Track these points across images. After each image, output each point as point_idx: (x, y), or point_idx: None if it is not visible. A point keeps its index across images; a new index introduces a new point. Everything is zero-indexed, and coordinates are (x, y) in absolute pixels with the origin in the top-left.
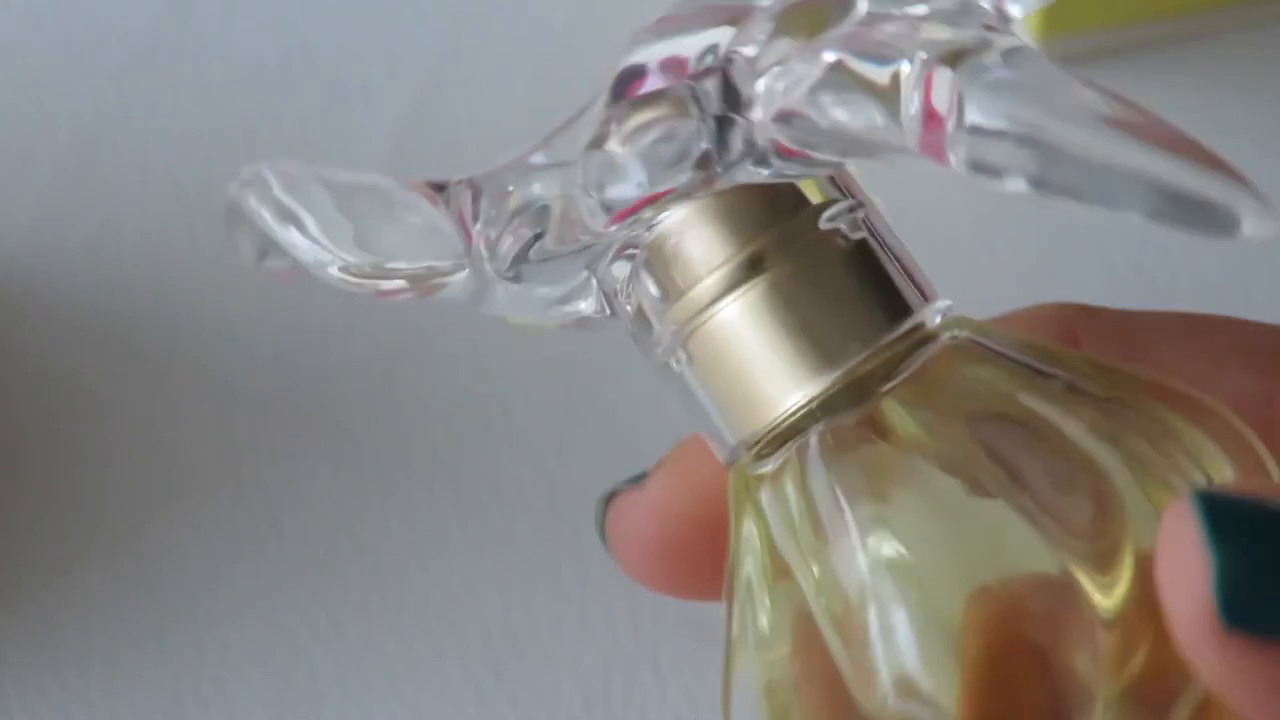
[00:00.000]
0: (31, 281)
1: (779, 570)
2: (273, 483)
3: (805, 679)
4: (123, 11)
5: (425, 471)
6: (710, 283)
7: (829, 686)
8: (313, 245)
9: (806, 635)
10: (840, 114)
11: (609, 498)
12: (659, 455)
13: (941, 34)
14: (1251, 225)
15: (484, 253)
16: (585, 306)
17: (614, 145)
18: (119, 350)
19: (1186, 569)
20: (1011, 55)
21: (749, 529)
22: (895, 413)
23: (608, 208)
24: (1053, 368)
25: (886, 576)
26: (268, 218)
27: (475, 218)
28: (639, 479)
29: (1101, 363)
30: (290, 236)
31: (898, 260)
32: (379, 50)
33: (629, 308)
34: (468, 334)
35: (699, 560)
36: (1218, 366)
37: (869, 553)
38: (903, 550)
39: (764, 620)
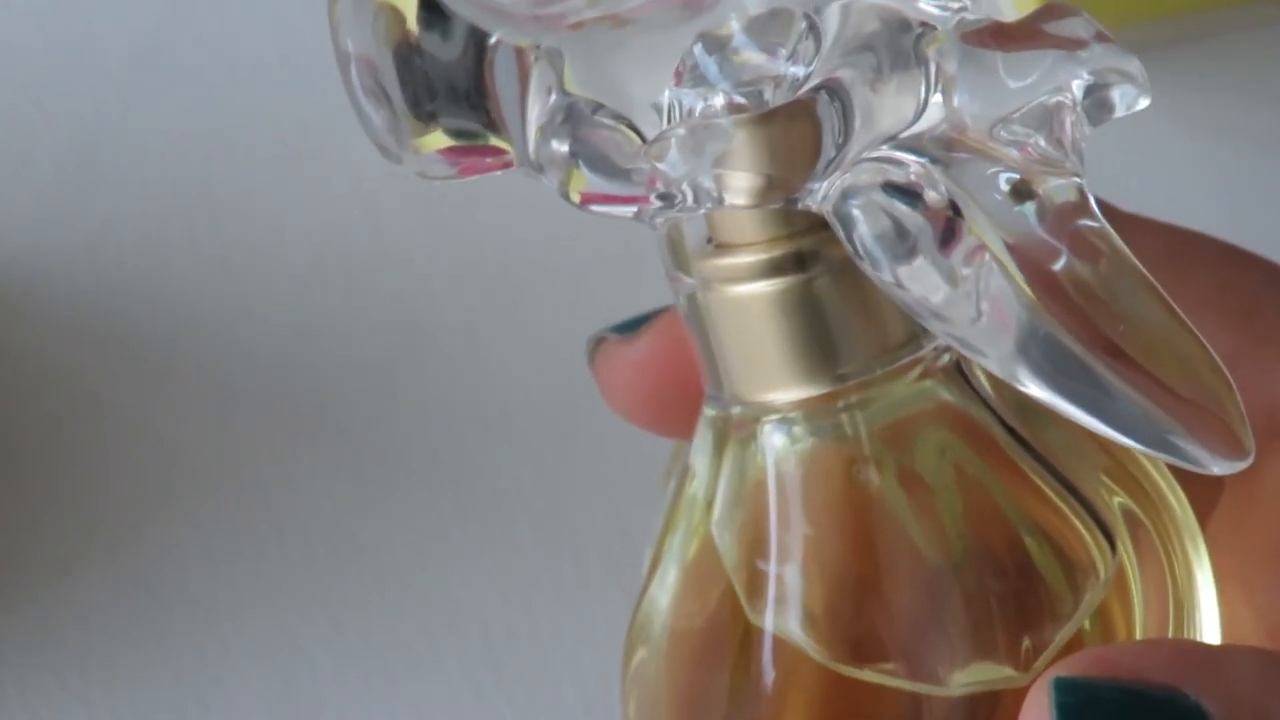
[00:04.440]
0: (31, 281)
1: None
2: (273, 483)
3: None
4: (123, 12)
5: (425, 471)
6: (752, 259)
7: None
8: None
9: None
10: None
11: (598, 341)
12: (658, 455)
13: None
14: (1220, 468)
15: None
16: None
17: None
18: (119, 350)
19: None
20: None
21: (706, 463)
22: (862, 436)
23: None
24: (1015, 422)
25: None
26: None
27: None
28: (628, 327)
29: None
30: None
31: None
32: None
33: (661, 224)
34: (468, 334)
35: (673, 414)
36: (1188, 314)
37: (777, 571)
38: (809, 599)
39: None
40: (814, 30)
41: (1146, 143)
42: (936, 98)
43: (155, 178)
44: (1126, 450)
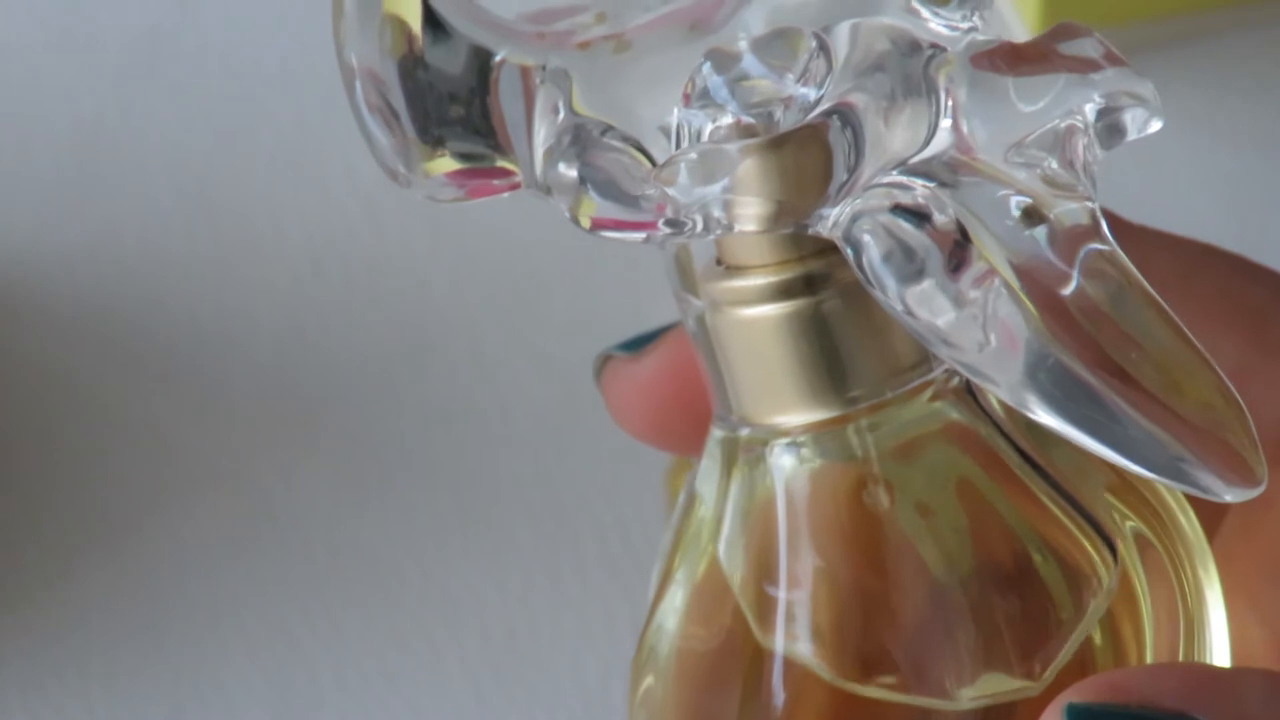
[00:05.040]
0: (31, 281)
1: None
2: (273, 483)
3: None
4: (122, 13)
5: (425, 471)
6: (761, 281)
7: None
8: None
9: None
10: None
11: (605, 359)
12: (659, 456)
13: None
14: (1232, 496)
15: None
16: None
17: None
18: (119, 350)
19: None
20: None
21: (714, 485)
22: (871, 457)
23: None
24: (1024, 444)
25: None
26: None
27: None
28: (635, 345)
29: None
30: None
31: None
32: None
33: (670, 247)
34: (467, 335)
35: (679, 431)
36: (1198, 328)
37: (783, 602)
38: (815, 623)
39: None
40: (824, 50)
41: (1147, 143)
42: (946, 122)
43: (155, 178)
44: (1129, 495)
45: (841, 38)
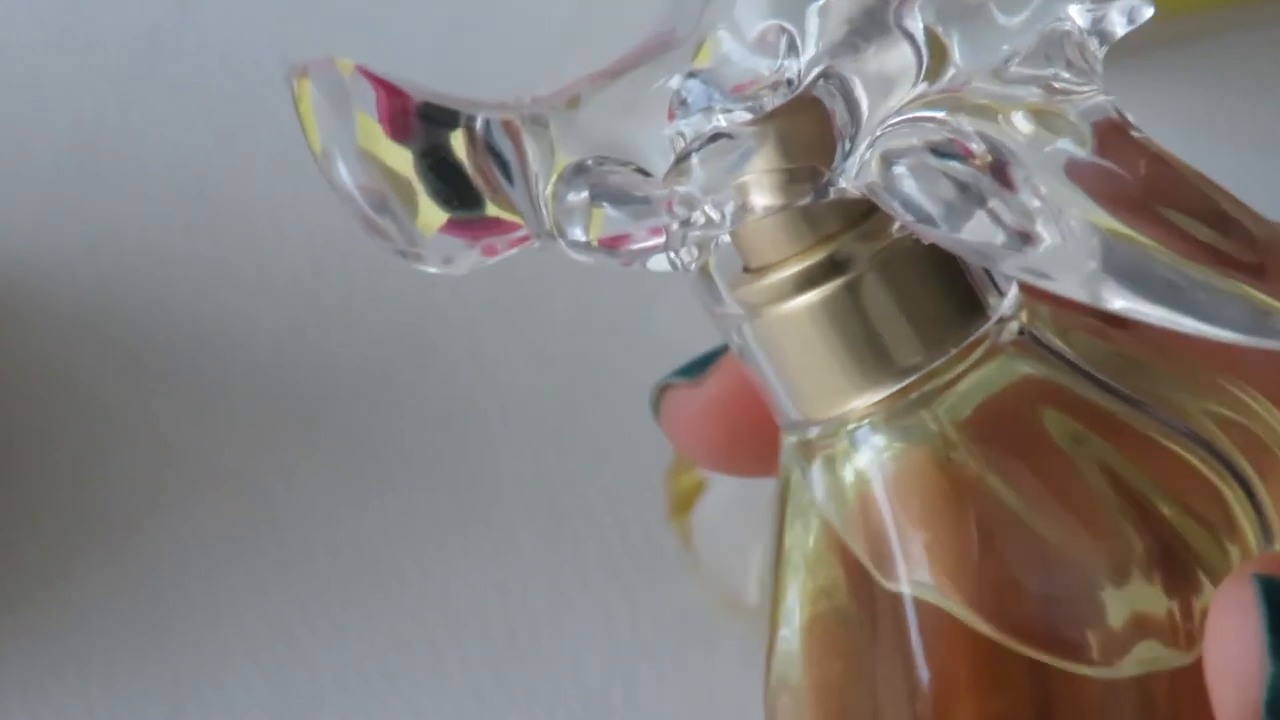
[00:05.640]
0: (31, 281)
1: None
2: (273, 483)
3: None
4: (122, 13)
5: (425, 471)
6: (789, 274)
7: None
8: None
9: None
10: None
11: (664, 388)
12: (659, 456)
13: (1022, 125)
14: None
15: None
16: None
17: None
18: (119, 350)
19: (1242, 668)
20: (1093, 132)
21: (801, 496)
22: (948, 430)
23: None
24: (1105, 375)
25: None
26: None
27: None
28: (692, 371)
29: (1158, 367)
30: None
31: (964, 261)
32: (377, 52)
33: (693, 264)
34: (468, 334)
35: (751, 452)
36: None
37: (906, 581)
38: (931, 587)
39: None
40: (795, 43)
41: None
42: (928, 55)
43: (155, 178)
44: (1223, 393)
45: (812, 22)
